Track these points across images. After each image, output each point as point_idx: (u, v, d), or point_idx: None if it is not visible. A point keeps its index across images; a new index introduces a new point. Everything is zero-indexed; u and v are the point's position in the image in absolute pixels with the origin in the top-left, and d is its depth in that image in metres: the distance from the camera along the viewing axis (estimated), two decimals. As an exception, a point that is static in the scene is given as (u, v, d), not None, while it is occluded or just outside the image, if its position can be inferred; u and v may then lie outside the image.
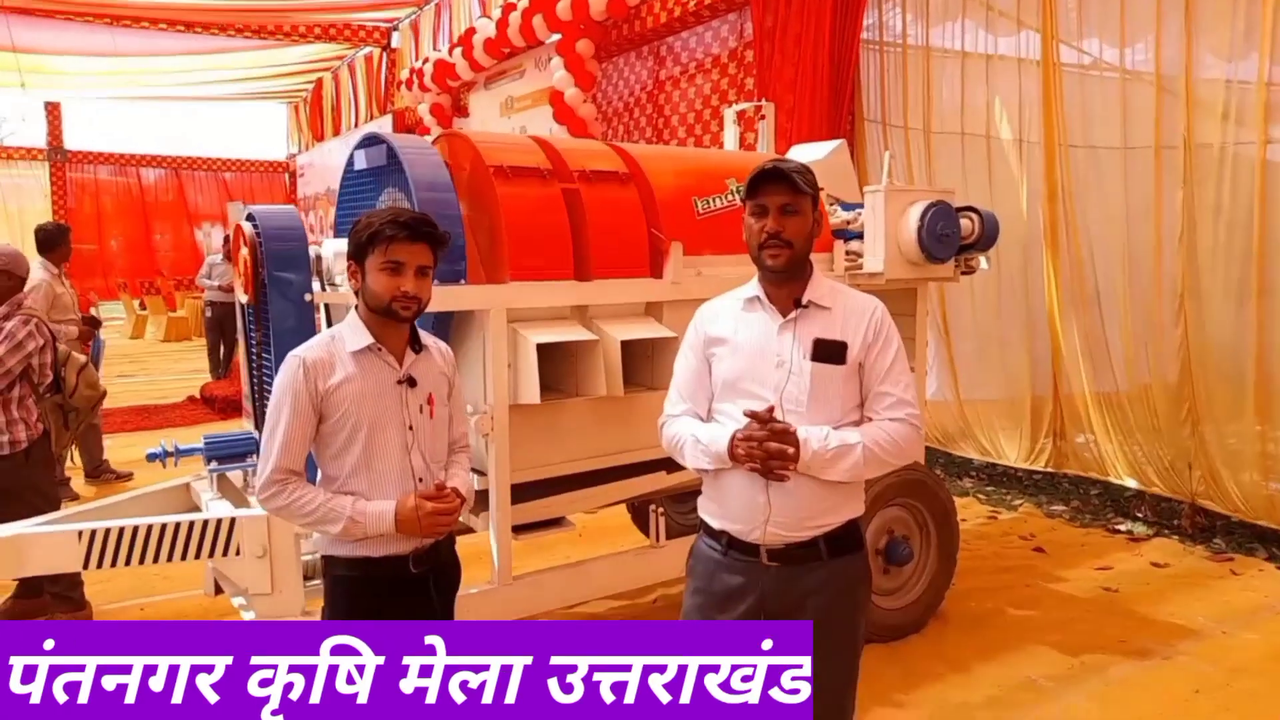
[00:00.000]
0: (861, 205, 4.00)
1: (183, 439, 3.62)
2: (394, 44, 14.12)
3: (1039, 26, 5.49)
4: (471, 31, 10.46)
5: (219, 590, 3.28)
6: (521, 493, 3.27)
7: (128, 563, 2.79)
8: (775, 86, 6.67)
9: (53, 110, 18.91)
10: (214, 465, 3.25)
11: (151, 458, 3.35)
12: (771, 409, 1.97)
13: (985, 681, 3.49)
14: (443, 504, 2.09)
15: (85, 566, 2.76)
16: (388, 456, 2.11)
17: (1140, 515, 5.34)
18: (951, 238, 3.94)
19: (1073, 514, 5.55)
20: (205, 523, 2.86)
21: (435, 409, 2.20)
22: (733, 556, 2.09)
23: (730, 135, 5.18)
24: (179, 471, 3.65)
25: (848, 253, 3.98)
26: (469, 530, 3.42)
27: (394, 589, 2.12)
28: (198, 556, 2.87)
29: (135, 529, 2.80)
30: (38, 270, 5.68)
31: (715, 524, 2.12)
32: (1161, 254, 5.05)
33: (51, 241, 6.03)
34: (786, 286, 2.08)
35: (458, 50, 10.82)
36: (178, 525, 2.83)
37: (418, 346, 2.19)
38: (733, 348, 2.09)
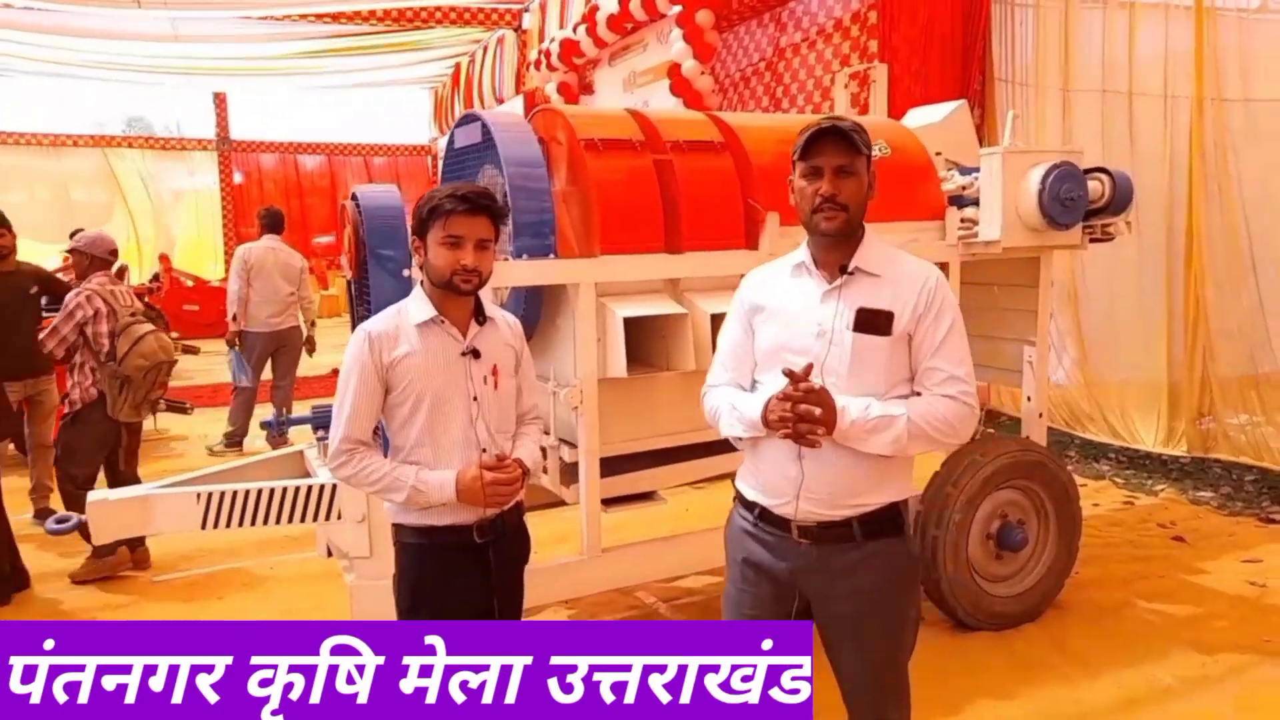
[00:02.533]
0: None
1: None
2: (525, 25, 14.35)
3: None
4: (595, 9, 10.49)
5: (330, 554, 3.46)
6: (613, 466, 3.29)
7: (240, 524, 2.98)
8: (900, 48, 6.37)
9: (220, 101, 20.31)
10: (321, 434, 3.41)
11: (264, 425, 3.54)
12: (810, 368, 1.86)
13: (1105, 678, 3.26)
14: (503, 474, 2.12)
15: (203, 526, 2.96)
16: (452, 427, 2.15)
17: (1302, 504, 4.85)
18: (1077, 201, 3.66)
19: (1221, 501, 5.09)
20: (310, 488, 3.01)
21: (500, 380, 2.22)
22: (763, 529, 2.02)
23: (841, 100, 4.99)
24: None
25: (962, 220, 3.76)
26: (561, 503, 3.48)
27: (459, 558, 2.17)
28: (303, 520, 3.03)
29: (247, 493, 2.98)
30: (265, 243, 6.94)
31: (749, 494, 2.05)
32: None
33: (276, 221, 7.05)
34: (837, 252, 1.97)
35: (582, 28, 10.89)
36: (285, 490, 2.99)
37: (482, 319, 2.22)
38: (774, 314, 2.01)
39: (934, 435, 1.89)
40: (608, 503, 3.32)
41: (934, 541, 3.50)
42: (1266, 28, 4.86)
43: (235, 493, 2.97)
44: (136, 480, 4.54)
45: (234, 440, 6.97)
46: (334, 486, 3.02)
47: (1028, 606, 3.69)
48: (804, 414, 1.83)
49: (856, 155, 1.92)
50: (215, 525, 2.97)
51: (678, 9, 8.70)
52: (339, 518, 3.02)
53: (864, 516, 1.95)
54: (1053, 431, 5.03)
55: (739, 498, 2.11)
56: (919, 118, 4.34)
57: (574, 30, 11.24)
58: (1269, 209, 4.86)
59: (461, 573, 2.16)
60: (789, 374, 1.85)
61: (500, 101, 15.25)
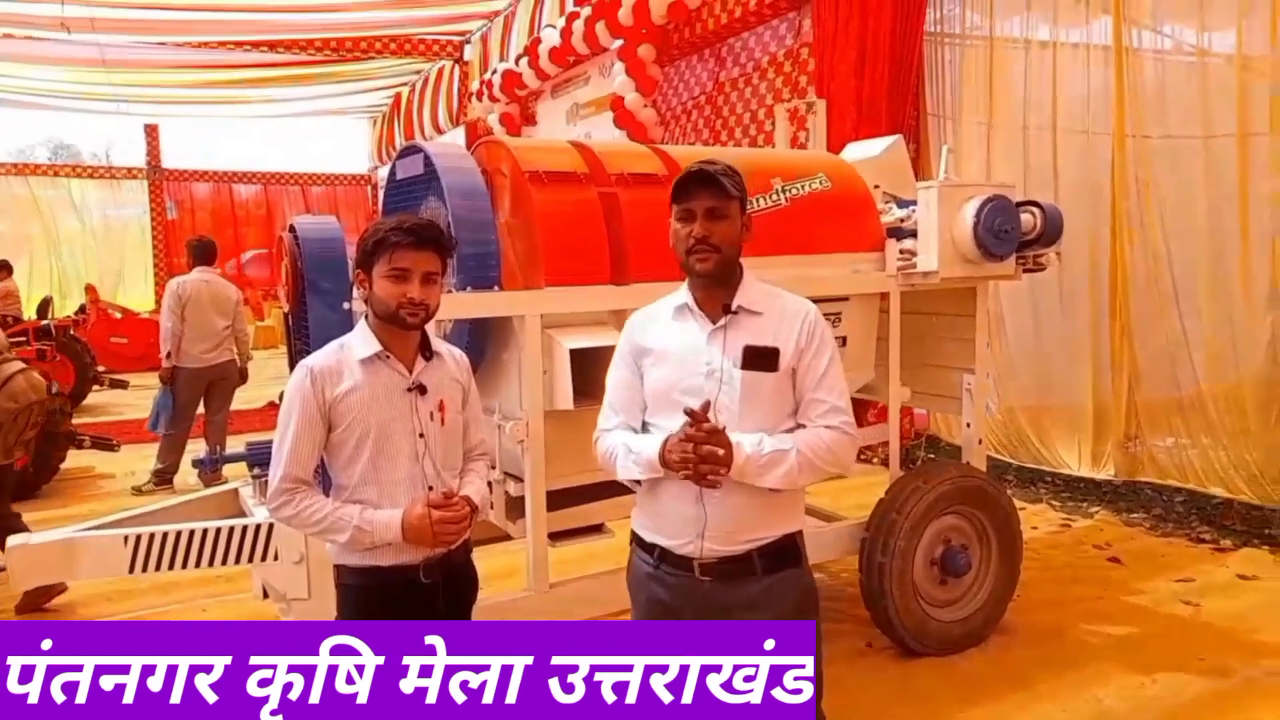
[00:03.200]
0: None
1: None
2: (466, 57, 14.37)
3: (1109, 9, 5.22)
4: (537, 41, 10.57)
5: (266, 594, 3.35)
6: (560, 499, 3.25)
7: (170, 567, 2.87)
8: (834, 83, 6.52)
9: (151, 131, 19.85)
10: (257, 471, 3.31)
11: (197, 464, 3.43)
12: (707, 404, 1.89)
13: (1048, 700, 3.31)
14: (450, 512, 2.07)
15: (131, 570, 2.84)
16: (397, 464, 2.11)
17: (1228, 524, 5.01)
18: (1011, 234, 3.76)
19: (1154, 522, 5.24)
20: (245, 528, 2.91)
21: (447, 416, 2.18)
22: (665, 571, 2.03)
23: (781, 133, 5.08)
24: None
25: (901, 251, 3.84)
26: (507, 537, 3.42)
27: (404, 598, 2.11)
28: (238, 561, 2.93)
29: (179, 534, 2.87)
30: (197, 275, 6.69)
31: (647, 537, 2.07)
32: (1249, 246, 4.73)
33: (207, 252, 6.87)
34: (716, 292, 2.02)
35: (524, 60, 10.95)
36: (219, 531, 2.89)
37: (429, 353, 2.18)
38: (662, 357, 2.04)
39: (820, 465, 1.95)
40: (555, 536, 3.28)
41: (880, 568, 3.52)
42: (1175, 69, 5.10)
43: (165, 534, 2.86)
44: (16, 519, 4.37)
45: (164, 478, 6.73)
46: (270, 526, 2.93)
47: (971, 630, 3.73)
48: (706, 455, 1.84)
49: (728, 199, 1.97)
50: (144, 569, 2.86)
51: (619, 43, 8.82)
52: (275, 558, 2.93)
53: (763, 549, 1.99)
54: (990, 458, 5.14)
55: (636, 540, 2.12)
56: (857, 152, 4.43)
57: (516, 62, 11.31)
58: (1188, 238, 5.06)
59: (407, 614, 2.10)
60: (690, 413, 1.86)
61: (441, 132, 15.22)
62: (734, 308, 2.00)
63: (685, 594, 2.01)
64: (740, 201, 2.01)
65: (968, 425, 4.04)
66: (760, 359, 1.95)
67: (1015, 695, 3.35)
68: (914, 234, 3.85)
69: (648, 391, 2.06)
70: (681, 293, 2.08)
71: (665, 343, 2.05)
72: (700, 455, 1.84)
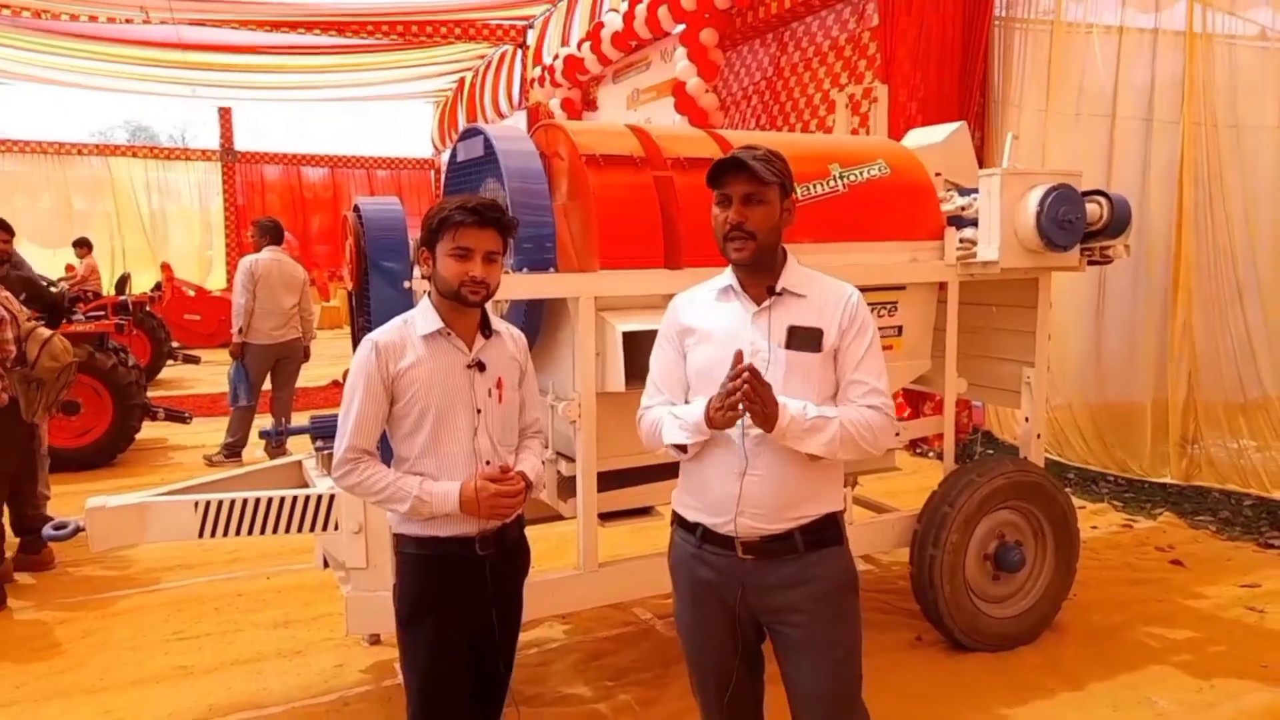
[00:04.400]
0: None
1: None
2: (529, 41, 14.46)
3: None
4: (599, 25, 10.58)
5: (327, 564, 3.46)
6: (611, 480, 3.29)
7: (237, 533, 2.98)
8: (899, 69, 6.42)
9: (224, 115, 20.41)
10: (320, 444, 3.42)
11: (264, 435, 3.55)
12: (740, 355, 1.89)
13: (1100, 701, 3.26)
14: (505, 486, 2.12)
15: (200, 535, 2.96)
16: (455, 439, 2.16)
17: (1299, 530, 4.85)
18: (1075, 224, 3.68)
19: (1220, 526, 5.09)
20: (307, 498, 3.01)
21: (505, 393, 2.23)
22: (708, 550, 2.05)
23: (841, 120, 5.02)
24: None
25: (961, 240, 3.78)
26: (558, 517, 3.47)
27: (459, 569, 2.17)
28: (300, 530, 3.02)
29: (244, 502, 2.98)
30: (268, 254, 6.91)
31: (690, 516, 2.09)
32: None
33: (276, 232, 7.11)
34: (761, 274, 2.04)
35: (586, 45, 10.98)
36: (282, 500, 2.99)
37: (488, 331, 2.23)
38: (706, 337, 2.06)
39: (860, 442, 1.97)
40: (605, 517, 3.32)
41: (931, 561, 3.50)
42: (1256, 55, 4.90)
43: (233, 501, 2.97)
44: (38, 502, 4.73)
45: (233, 451, 6.96)
46: (331, 497, 3.02)
47: (1024, 628, 3.68)
48: (754, 392, 1.85)
49: (764, 184, 1.97)
50: (213, 534, 2.97)
51: (682, 27, 8.79)
52: (336, 529, 3.02)
53: (805, 527, 2.01)
54: (1048, 459, 5.04)
55: (678, 520, 2.15)
56: (919, 138, 4.37)
57: (578, 47, 11.33)
58: (1256, 234, 4.87)
59: (462, 585, 2.16)
60: (738, 360, 1.88)
61: (503, 116, 15.34)
62: (778, 289, 2.02)
63: (728, 573, 2.03)
64: (781, 186, 2.01)
65: (1025, 420, 3.97)
66: (804, 339, 1.98)
67: (1066, 694, 3.30)
68: (975, 223, 3.79)
69: (691, 371, 2.09)
70: (726, 275, 2.11)
71: (709, 323, 2.07)
72: (747, 395, 1.84)
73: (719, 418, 1.90)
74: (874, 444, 2.00)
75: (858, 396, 2.01)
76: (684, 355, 2.11)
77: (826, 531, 2.04)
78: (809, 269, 2.12)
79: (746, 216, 1.97)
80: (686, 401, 2.09)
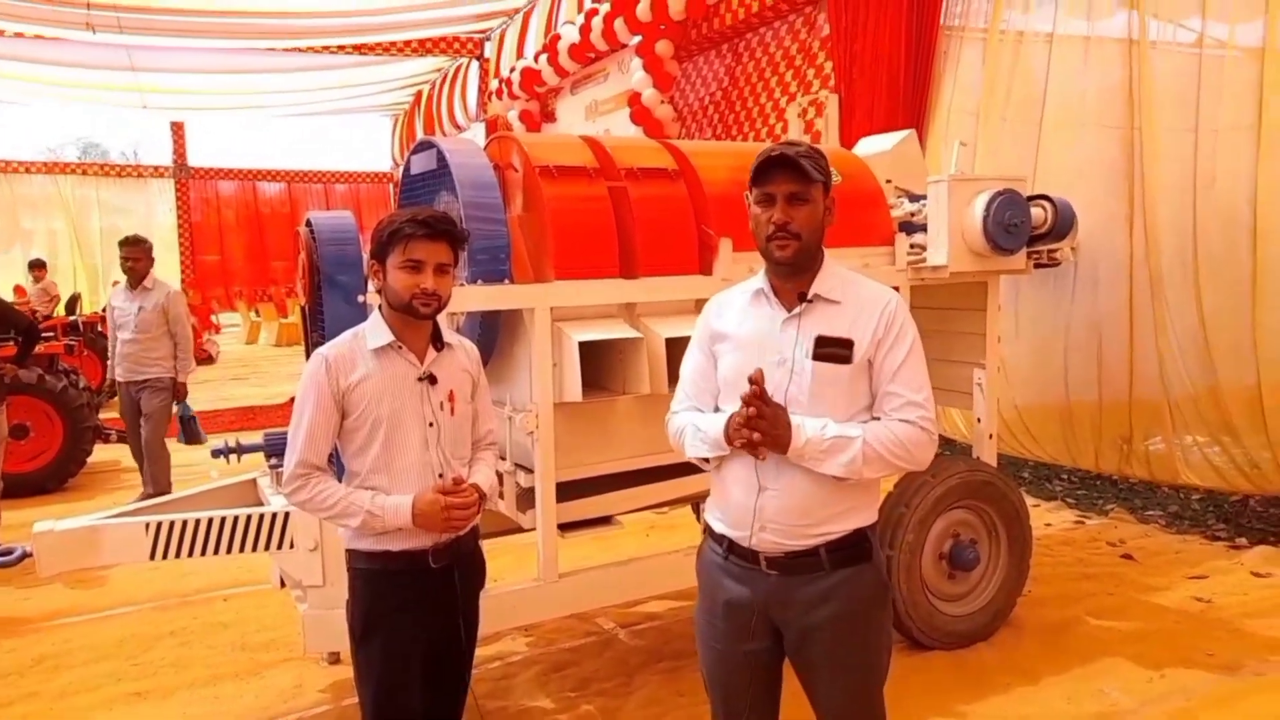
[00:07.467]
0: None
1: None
2: (486, 54, 14.46)
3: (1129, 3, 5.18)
4: (556, 38, 10.62)
5: (284, 584, 3.42)
6: (570, 491, 3.29)
7: (190, 554, 2.94)
8: (849, 78, 6.52)
9: (178, 130, 20.10)
10: (274, 461, 3.38)
11: (216, 454, 3.51)
12: (760, 374, 1.84)
13: (1055, 693, 3.32)
14: (459, 498, 2.12)
15: (152, 557, 2.92)
16: (407, 452, 2.16)
17: (1245, 522, 4.98)
18: (1021, 228, 3.77)
19: (1169, 520, 5.22)
20: (261, 516, 2.98)
21: (457, 406, 2.23)
22: (733, 562, 2.00)
23: (795, 129, 5.09)
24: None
25: (911, 245, 3.85)
26: (518, 529, 3.47)
27: (413, 583, 2.16)
28: (255, 549, 2.99)
29: (198, 522, 2.94)
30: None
31: (716, 527, 2.04)
32: (1264, 243, 4.68)
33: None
34: (795, 279, 1.96)
35: (543, 57, 11.00)
36: (235, 519, 2.96)
37: (440, 344, 2.23)
38: (735, 343, 2.00)
39: (890, 460, 1.87)
40: (565, 528, 3.32)
41: (888, 561, 3.52)
42: (1193, 61, 5.04)
43: (185, 522, 2.93)
44: None
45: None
46: (286, 514, 3.00)
47: (980, 625, 3.74)
48: (759, 423, 1.82)
49: (810, 183, 1.90)
50: (165, 556, 2.93)
51: (638, 39, 8.85)
52: (291, 546, 3.00)
53: (831, 544, 1.93)
54: (1005, 454, 5.11)
55: (709, 530, 2.09)
56: (869, 146, 4.44)
57: (535, 59, 11.36)
58: (1200, 235, 4.99)
59: (416, 599, 2.16)
60: (752, 380, 1.84)
61: (461, 129, 15.31)
62: (810, 296, 1.94)
63: (752, 586, 1.98)
64: (824, 185, 1.93)
65: (978, 420, 4.05)
66: (833, 350, 1.89)
67: (1021, 688, 3.36)
68: (925, 228, 3.87)
69: (720, 378, 2.02)
70: (760, 277, 2.02)
71: (739, 329, 2.00)
72: (754, 423, 1.81)
73: (736, 439, 1.87)
74: (910, 460, 1.90)
75: (892, 410, 1.91)
76: (714, 360, 2.04)
77: (856, 548, 1.96)
78: (849, 272, 2.03)
79: (792, 216, 1.89)
80: (717, 408, 2.05)
